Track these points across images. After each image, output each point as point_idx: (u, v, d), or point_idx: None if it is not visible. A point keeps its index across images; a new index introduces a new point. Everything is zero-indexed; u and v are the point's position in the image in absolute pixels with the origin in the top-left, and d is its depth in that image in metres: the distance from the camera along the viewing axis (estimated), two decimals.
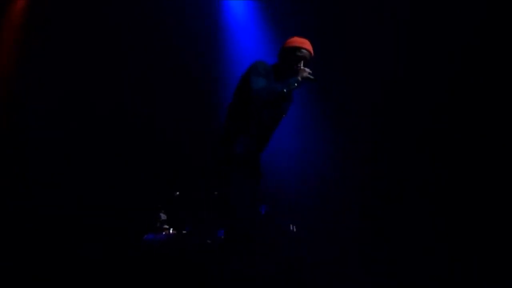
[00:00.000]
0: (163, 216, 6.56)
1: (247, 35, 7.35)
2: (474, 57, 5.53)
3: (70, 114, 7.06)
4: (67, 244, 5.78)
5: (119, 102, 7.20)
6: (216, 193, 5.78)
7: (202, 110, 7.24)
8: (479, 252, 5.12)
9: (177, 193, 6.78)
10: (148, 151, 7.25)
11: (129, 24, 7.12)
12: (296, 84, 3.76)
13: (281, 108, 4.01)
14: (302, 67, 3.85)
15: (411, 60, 5.93)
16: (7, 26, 7.24)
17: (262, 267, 4.54)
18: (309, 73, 3.81)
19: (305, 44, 3.97)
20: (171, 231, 6.40)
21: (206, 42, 7.33)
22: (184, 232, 6.36)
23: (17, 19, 7.23)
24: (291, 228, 5.85)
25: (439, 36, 5.79)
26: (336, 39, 6.35)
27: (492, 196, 5.30)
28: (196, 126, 7.13)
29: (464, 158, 5.54)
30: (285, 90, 3.72)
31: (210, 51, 7.36)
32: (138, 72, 7.26)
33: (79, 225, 6.36)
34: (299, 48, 3.93)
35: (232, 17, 7.48)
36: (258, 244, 4.19)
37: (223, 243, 3.95)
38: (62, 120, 7.03)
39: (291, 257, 5.42)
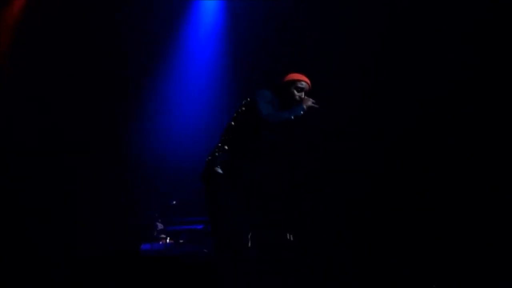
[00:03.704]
0: (160, 226, 6.54)
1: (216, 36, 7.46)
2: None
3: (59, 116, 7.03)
4: (63, 254, 5.76)
5: (113, 104, 7.22)
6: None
7: (195, 111, 7.29)
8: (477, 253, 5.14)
9: (174, 202, 6.77)
10: (144, 159, 7.25)
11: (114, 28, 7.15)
12: (301, 112, 4.10)
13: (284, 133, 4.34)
14: (305, 97, 4.22)
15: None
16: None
17: (260, 277, 4.53)
18: (312, 102, 4.17)
19: (303, 77, 4.33)
20: (167, 241, 6.38)
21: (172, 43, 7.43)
22: (180, 241, 6.35)
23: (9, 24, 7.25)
24: (288, 237, 5.84)
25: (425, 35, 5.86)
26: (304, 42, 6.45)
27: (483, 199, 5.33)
28: (190, 130, 7.16)
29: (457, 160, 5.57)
30: (292, 117, 4.06)
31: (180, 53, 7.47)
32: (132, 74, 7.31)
33: (75, 235, 6.35)
34: (299, 81, 4.30)
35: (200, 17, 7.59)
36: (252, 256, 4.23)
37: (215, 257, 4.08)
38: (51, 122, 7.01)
39: (289, 266, 5.41)
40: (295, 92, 4.26)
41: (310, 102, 4.16)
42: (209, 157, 4.14)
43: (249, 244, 4.06)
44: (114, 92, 7.18)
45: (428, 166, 5.68)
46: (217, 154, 4.11)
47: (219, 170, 4.05)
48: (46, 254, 5.67)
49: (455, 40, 5.62)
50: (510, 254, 4.96)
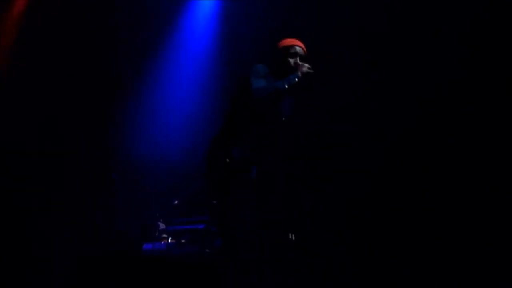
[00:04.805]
0: (162, 226, 6.55)
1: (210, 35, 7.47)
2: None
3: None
4: (64, 254, 5.78)
5: (112, 104, 7.25)
6: (214, 202, 5.80)
7: (194, 111, 7.31)
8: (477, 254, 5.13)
9: (176, 201, 6.78)
10: (145, 159, 7.27)
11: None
12: (296, 79, 3.77)
13: (281, 109, 4.02)
14: (300, 63, 3.90)
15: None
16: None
17: (260, 277, 4.54)
18: (308, 68, 3.84)
19: (297, 41, 4.05)
20: (169, 240, 6.39)
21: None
22: (182, 241, 6.35)
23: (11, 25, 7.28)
24: (290, 236, 5.84)
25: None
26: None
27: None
28: (191, 129, 7.17)
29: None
30: (286, 86, 3.74)
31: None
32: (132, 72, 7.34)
33: (76, 234, 6.37)
34: (292, 46, 4.00)
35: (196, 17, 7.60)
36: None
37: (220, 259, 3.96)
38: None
39: (289, 266, 5.41)
40: (289, 59, 3.95)
41: (305, 68, 3.83)
42: (210, 145, 3.98)
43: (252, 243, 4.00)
44: (114, 92, 7.22)
45: (428, 166, 5.68)
46: (218, 142, 3.97)
47: (221, 159, 3.88)
48: (46, 254, 5.69)
49: (454, 40, 5.61)
50: (510, 254, 4.95)
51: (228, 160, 3.89)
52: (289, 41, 4.04)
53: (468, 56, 5.52)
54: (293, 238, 5.72)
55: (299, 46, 4.02)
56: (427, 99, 5.76)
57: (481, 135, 5.43)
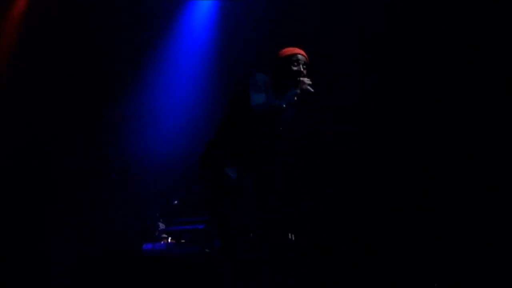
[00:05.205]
0: (162, 226, 6.55)
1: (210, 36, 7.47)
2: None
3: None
4: (64, 254, 5.78)
5: (112, 104, 7.26)
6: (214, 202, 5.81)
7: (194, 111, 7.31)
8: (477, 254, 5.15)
9: (175, 202, 6.78)
10: (145, 159, 7.27)
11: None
12: (295, 98, 3.75)
13: (279, 122, 3.98)
14: (302, 79, 3.83)
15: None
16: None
17: (261, 277, 4.55)
18: (308, 85, 3.81)
19: (298, 50, 3.98)
20: (169, 241, 6.39)
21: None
22: (182, 241, 6.35)
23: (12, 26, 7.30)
24: (290, 236, 5.85)
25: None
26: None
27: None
28: (191, 129, 7.18)
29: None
30: (284, 105, 3.71)
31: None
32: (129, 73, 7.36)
33: (76, 234, 6.37)
34: (294, 54, 3.94)
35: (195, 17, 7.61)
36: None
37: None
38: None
39: (289, 266, 5.42)
40: (292, 67, 3.89)
41: (305, 85, 3.79)
42: (206, 147, 3.95)
43: (252, 243, 3.99)
44: (114, 91, 7.22)
45: (428, 166, 5.69)
46: (213, 146, 3.92)
47: (216, 163, 3.83)
48: (46, 254, 5.69)
49: (454, 40, 5.62)
50: (510, 254, 4.96)
51: (225, 162, 3.84)
52: (290, 50, 3.97)
53: (468, 56, 5.52)
54: (293, 238, 5.74)
55: (301, 54, 3.95)
56: (427, 99, 5.76)
57: (481, 135, 5.44)
